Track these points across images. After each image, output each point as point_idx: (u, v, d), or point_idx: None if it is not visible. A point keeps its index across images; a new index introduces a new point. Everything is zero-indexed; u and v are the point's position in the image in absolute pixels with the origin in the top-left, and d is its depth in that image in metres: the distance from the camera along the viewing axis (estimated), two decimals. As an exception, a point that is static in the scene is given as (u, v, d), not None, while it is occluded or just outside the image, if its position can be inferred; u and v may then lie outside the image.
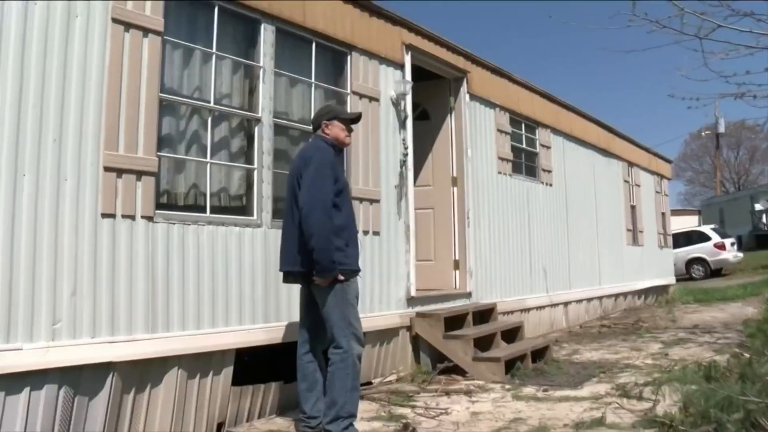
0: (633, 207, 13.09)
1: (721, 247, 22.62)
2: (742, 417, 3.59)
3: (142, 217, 4.09)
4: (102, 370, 3.80)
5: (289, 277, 4.25)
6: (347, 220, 4.06)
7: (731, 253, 22.85)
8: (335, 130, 4.22)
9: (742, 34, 6.11)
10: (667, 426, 3.97)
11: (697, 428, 3.79)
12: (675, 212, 33.37)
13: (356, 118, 4.47)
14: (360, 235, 5.58)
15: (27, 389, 3.44)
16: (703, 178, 54.32)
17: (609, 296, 11.67)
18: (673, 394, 4.78)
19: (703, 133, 47.30)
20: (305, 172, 3.97)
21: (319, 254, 3.83)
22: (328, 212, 3.87)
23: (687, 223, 30.53)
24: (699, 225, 28.48)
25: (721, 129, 40.53)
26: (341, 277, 3.93)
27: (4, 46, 3.52)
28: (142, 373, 4.05)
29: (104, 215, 3.90)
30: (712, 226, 25.94)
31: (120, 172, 3.99)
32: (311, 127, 4.55)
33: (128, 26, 4.10)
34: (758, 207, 33.49)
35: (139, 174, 4.09)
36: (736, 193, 43.40)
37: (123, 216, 3.99)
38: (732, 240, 23.79)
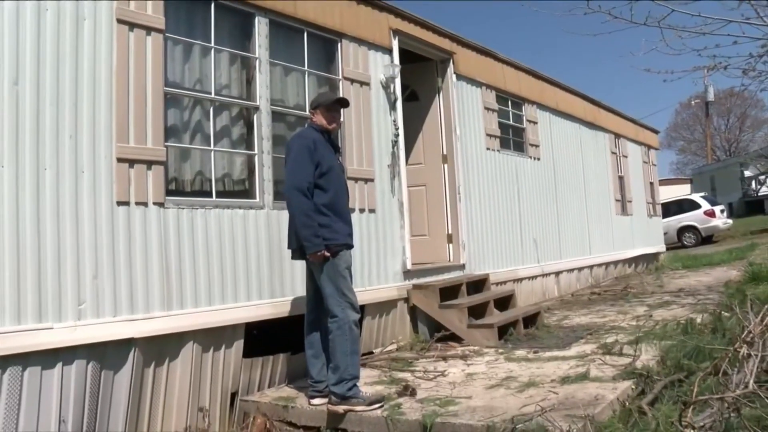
0: (621, 178, 13.43)
1: (711, 214, 23.03)
2: (709, 365, 3.96)
3: (154, 203, 4.41)
4: (124, 345, 4.14)
5: (294, 254, 4.58)
6: (333, 198, 4.38)
7: (721, 220, 23.26)
8: (319, 117, 4.57)
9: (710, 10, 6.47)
10: (644, 376, 4.33)
11: (670, 377, 4.16)
12: (667, 181, 33.91)
13: (336, 101, 4.72)
14: (356, 213, 5.93)
15: (60, 364, 3.78)
16: (694, 147, 54.70)
17: (599, 265, 12.05)
18: (652, 350, 5.17)
19: (692, 102, 47.58)
20: (288, 159, 4.40)
21: (301, 232, 4.22)
22: (305, 194, 4.23)
23: (679, 191, 30.91)
24: (691, 193, 28.87)
25: (711, 98, 40.81)
26: (327, 253, 4.26)
27: (21, 49, 3.81)
28: (161, 348, 4.39)
29: (119, 203, 4.22)
30: (702, 194, 26.35)
31: (132, 162, 4.30)
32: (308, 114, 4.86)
33: (132, 26, 4.38)
34: (747, 174, 33.93)
35: (149, 163, 4.40)
36: (727, 160, 43.82)
37: (136, 203, 4.31)
38: (722, 207, 24.21)
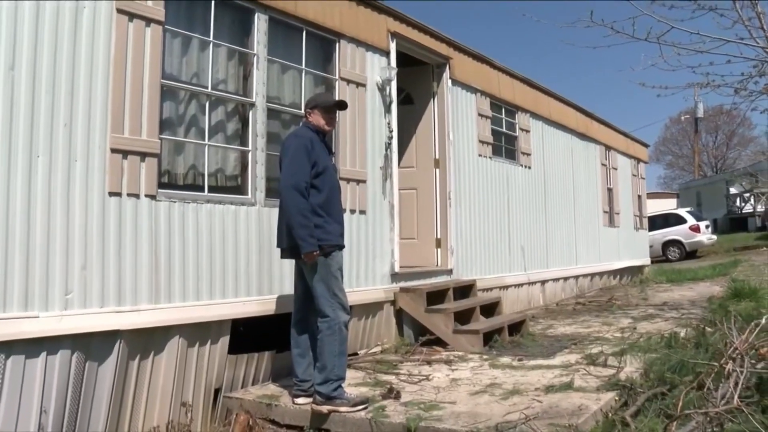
0: (610, 189, 13.52)
1: (696, 229, 23.24)
2: (692, 379, 4.00)
3: (146, 195, 4.39)
4: (110, 337, 4.11)
5: (283, 253, 4.57)
6: (328, 199, 4.39)
7: (705, 236, 23.50)
8: (316, 118, 4.56)
9: (710, 30, 6.56)
10: (627, 388, 4.37)
11: (653, 389, 4.19)
12: (654, 195, 34.15)
13: (335, 104, 4.77)
14: (347, 214, 5.93)
15: (44, 354, 3.75)
16: (682, 162, 55.14)
17: (585, 275, 12.13)
18: (635, 362, 5.21)
19: (682, 118, 47.95)
20: (284, 158, 4.37)
21: (296, 231, 4.19)
22: (302, 193, 4.21)
23: (666, 205, 31.22)
24: (677, 208, 29.12)
25: (700, 114, 41.16)
26: (316, 252, 4.24)
27: (19, 35, 3.77)
28: (146, 341, 4.36)
29: (111, 194, 4.19)
30: (688, 209, 26.60)
31: (125, 153, 4.28)
32: (303, 113, 4.86)
33: (132, 16, 4.36)
34: (733, 191, 34.27)
35: (143, 155, 4.38)
36: (713, 176, 44.22)
37: (128, 195, 4.28)
38: (707, 223, 24.44)
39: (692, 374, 4.09)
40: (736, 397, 3.19)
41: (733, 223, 33.97)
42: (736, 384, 3.34)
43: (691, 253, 23.21)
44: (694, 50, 6.61)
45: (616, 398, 4.28)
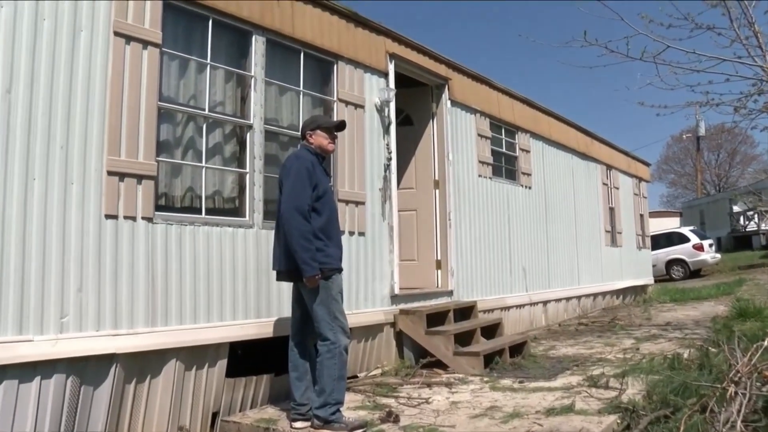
0: (611, 209, 13.49)
1: (699, 248, 23.13)
2: (695, 401, 3.93)
3: (143, 218, 4.37)
4: (106, 361, 4.07)
5: (280, 276, 4.54)
6: (327, 222, 4.37)
7: (709, 254, 23.37)
8: (319, 138, 4.54)
9: (705, 48, 6.58)
10: (630, 411, 4.30)
11: (656, 412, 4.12)
12: (657, 214, 34.10)
13: (338, 126, 4.78)
14: (346, 235, 5.91)
15: (38, 378, 3.71)
16: (684, 180, 55.13)
17: (587, 296, 12.05)
18: (638, 384, 5.14)
19: (684, 136, 48.00)
20: (285, 181, 4.33)
21: (299, 255, 4.15)
22: (305, 217, 4.19)
23: (669, 224, 31.09)
24: (680, 227, 29.01)
25: (702, 132, 41.20)
26: (318, 276, 4.21)
27: (16, 57, 3.79)
28: (143, 365, 4.32)
29: (107, 216, 4.18)
30: (691, 227, 26.49)
31: (122, 175, 4.27)
32: (299, 135, 4.85)
33: (129, 39, 4.38)
34: (736, 209, 34.16)
35: (140, 178, 4.37)
36: (716, 195, 44.15)
37: (125, 217, 4.27)
38: (710, 241, 24.32)
39: (696, 396, 4.03)
40: (739, 421, 3.13)
41: (737, 242, 33.82)
42: (740, 408, 3.28)
43: (695, 272, 23.08)
44: (690, 70, 6.63)
45: (618, 421, 4.21)
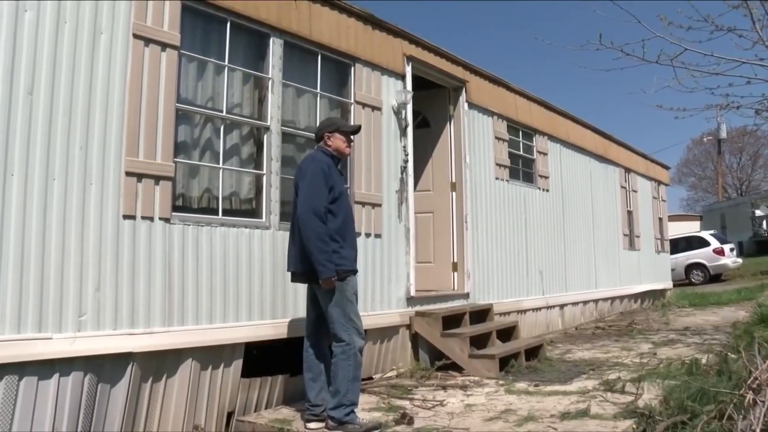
0: (630, 212, 13.37)
1: (720, 252, 22.85)
2: (713, 408, 3.88)
3: (160, 218, 4.42)
4: (122, 359, 4.12)
5: (295, 277, 4.56)
6: (343, 224, 4.39)
7: (730, 259, 23.07)
8: (337, 141, 4.56)
9: (725, 50, 6.49)
10: (646, 416, 4.26)
11: (673, 418, 4.08)
12: (677, 217, 33.71)
13: (356, 130, 4.80)
14: (362, 237, 5.92)
15: (57, 375, 3.76)
16: (705, 183, 54.49)
17: (605, 299, 11.95)
18: (655, 389, 5.09)
19: (705, 139, 47.47)
20: (301, 182, 4.36)
21: (315, 257, 4.16)
22: (322, 219, 4.20)
23: (689, 228, 30.74)
24: (700, 231, 28.67)
25: (723, 135, 40.68)
26: (334, 278, 4.22)
27: (38, 60, 3.85)
28: (159, 364, 4.36)
29: (125, 216, 4.22)
30: (712, 231, 26.18)
31: (140, 176, 4.31)
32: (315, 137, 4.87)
33: (148, 41, 4.42)
34: (758, 213, 33.70)
35: (158, 179, 4.41)
36: (737, 198, 43.58)
37: (142, 217, 4.32)
38: (731, 245, 24.02)
39: (714, 403, 3.97)
40: (758, 430, 3.09)
41: (759, 246, 33.34)
42: (760, 416, 3.23)
43: (715, 277, 22.79)
44: (708, 72, 6.55)
45: (634, 426, 4.17)
